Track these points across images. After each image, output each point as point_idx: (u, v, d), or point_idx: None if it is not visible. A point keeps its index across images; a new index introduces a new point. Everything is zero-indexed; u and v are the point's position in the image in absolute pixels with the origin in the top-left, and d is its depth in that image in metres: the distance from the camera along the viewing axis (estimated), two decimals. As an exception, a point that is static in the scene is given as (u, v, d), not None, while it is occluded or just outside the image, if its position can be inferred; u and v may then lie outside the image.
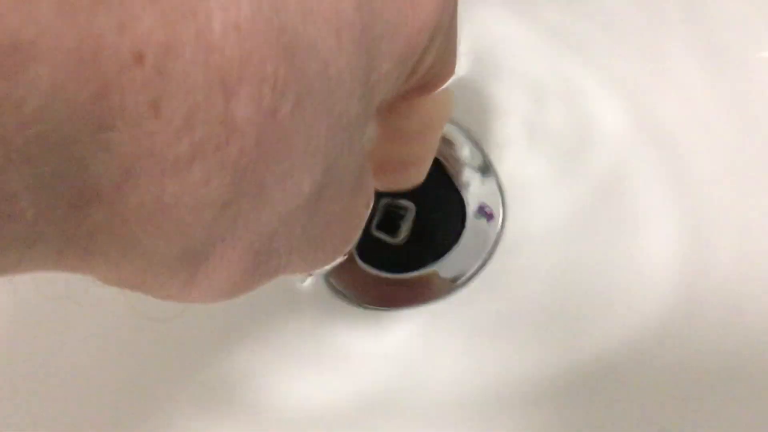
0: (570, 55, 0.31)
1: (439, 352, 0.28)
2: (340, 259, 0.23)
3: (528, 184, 0.30)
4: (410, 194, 0.30)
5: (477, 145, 0.31)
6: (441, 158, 0.31)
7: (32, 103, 0.09)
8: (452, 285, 0.29)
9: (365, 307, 0.29)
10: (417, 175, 0.22)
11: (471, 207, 0.30)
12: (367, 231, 0.30)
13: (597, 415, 0.26)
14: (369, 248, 0.30)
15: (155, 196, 0.11)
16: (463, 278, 0.29)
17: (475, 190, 0.30)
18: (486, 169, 0.31)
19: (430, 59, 0.16)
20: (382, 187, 0.23)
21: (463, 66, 0.31)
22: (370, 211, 0.18)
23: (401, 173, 0.22)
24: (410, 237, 0.30)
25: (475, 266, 0.29)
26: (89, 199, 0.11)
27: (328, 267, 0.28)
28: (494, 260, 0.29)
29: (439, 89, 0.18)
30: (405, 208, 0.30)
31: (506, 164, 0.30)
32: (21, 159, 0.09)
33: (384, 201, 0.30)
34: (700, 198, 0.28)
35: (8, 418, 0.26)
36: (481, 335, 0.28)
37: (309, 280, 0.29)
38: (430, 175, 0.22)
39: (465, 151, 0.31)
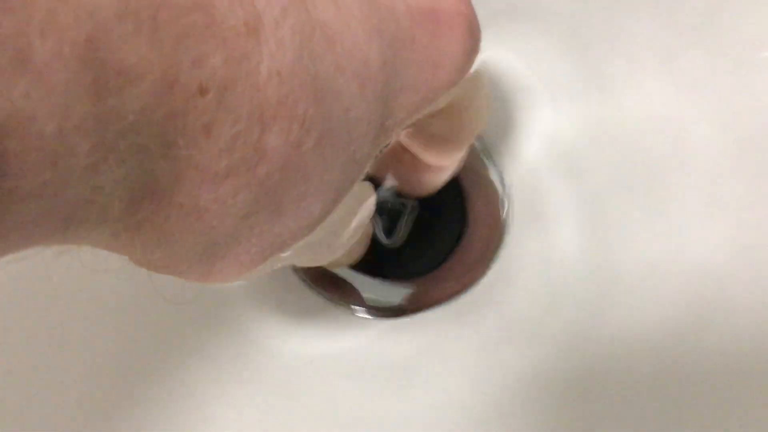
0: (577, 54, 0.31)
1: (440, 358, 0.28)
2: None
3: (534, 192, 0.30)
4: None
5: (483, 152, 0.31)
6: None
7: (130, 118, 0.11)
8: (453, 292, 0.29)
9: (361, 314, 0.29)
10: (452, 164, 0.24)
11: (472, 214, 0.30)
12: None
13: (597, 416, 0.26)
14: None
15: (193, 201, 0.13)
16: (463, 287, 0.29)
17: (478, 195, 0.31)
18: (489, 174, 0.31)
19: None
20: (416, 190, 0.26)
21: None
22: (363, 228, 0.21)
23: (437, 171, 0.24)
24: (408, 241, 0.30)
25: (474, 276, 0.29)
26: (146, 196, 0.13)
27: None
28: (493, 271, 0.29)
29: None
30: (404, 206, 0.30)
31: (512, 173, 0.31)
32: (114, 161, 0.11)
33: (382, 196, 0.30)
34: (701, 195, 0.28)
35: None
36: (482, 342, 0.28)
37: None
38: None
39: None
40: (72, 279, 0.27)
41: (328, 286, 0.30)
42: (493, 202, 0.30)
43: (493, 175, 0.31)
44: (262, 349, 0.28)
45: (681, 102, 0.30)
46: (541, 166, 0.31)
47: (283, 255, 0.17)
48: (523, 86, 0.31)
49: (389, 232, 0.29)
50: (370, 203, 0.21)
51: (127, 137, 0.11)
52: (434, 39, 0.16)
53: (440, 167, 0.26)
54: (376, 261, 0.29)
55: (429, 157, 0.25)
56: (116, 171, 0.12)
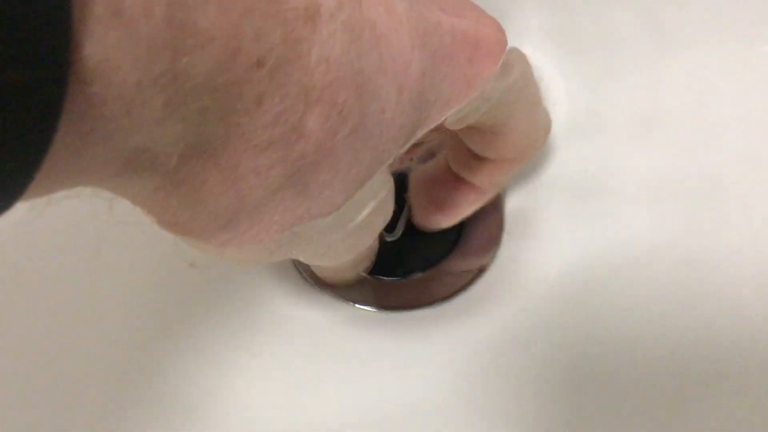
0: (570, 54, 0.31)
1: (435, 356, 0.28)
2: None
3: (531, 190, 0.30)
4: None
5: None
6: None
7: (198, 79, 0.12)
8: (452, 288, 0.29)
9: (360, 308, 0.29)
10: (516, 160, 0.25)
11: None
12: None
13: (594, 412, 0.26)
14: None
15: (234, 167, 0.14)
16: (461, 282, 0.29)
17: None
18: None
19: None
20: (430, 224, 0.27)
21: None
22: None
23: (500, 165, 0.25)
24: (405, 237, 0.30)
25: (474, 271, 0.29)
26: (195, 155, 0.14)
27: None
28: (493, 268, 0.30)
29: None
30: (404, 200, 0.30)
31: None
32: (179, 117, 0.12)
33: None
34: (702, 190, 0.29)
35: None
36: (481, 338, 0.28)
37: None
38: None
39: None
40: (88, 252, 0.27)
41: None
42: (492, 201, 0.30)
43: None
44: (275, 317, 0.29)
45: (682, 100, 0.30)
46: (538, 165, 0.31)
47: (297, 245, 0.18)
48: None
49: (390, 227, 0.29)
50: (389, 203, 0.22)
51: (194, 97, 0.12)
52: (472, 61, 0.18)
53: (475, 199, 0.27)
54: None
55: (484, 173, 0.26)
56: (178, 127, 0.13)
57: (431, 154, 0.30)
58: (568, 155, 0.31)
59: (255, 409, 0.27)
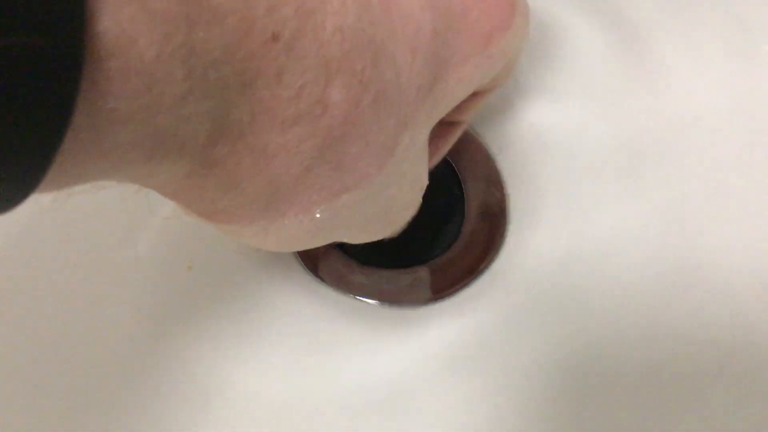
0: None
1: (433, 350, 0.28)
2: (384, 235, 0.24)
3: (532, 184, 0.30)
4: None
5: (485, 145, 0.31)
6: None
7: (216, 53, 0.12)
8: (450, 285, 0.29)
9: (361, 300, 0.29)
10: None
11: (473, 205, 0.30)
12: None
13: (594, 410, 0.26)
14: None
15: (263, 145, 0.14)
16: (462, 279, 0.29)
17: (478, 189, 0.31)
18: (492, 171, 0.31)
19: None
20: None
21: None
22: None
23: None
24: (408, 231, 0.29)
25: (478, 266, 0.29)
26: (223, 135, 0.14)
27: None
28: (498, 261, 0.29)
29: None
30: None
31: (511, 165, 0.31)
32: (201, 93, 0.12)
33: None
34: (706, 188, 0.29)
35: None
36: (483, 336, 0.28)
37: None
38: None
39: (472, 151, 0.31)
40: (88, 248, 0.28)
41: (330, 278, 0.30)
42: (494, 190, 0.30)
43: (492, 162, 0.31)
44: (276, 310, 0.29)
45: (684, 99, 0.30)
46: (538, 155, 0.31)
47: (340, 225, 0.17)
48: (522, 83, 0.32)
49: None
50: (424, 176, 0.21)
51: (214, 72, 0.12)
52: (488, 15, 0.18)
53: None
54: (376, 250, 0.29)
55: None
56: (201, 104, 0.12)
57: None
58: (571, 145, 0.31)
59: (255, 398, 0.27)
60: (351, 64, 0.14)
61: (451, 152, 0.28)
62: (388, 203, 0.19)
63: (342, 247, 0.30)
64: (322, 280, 0.29)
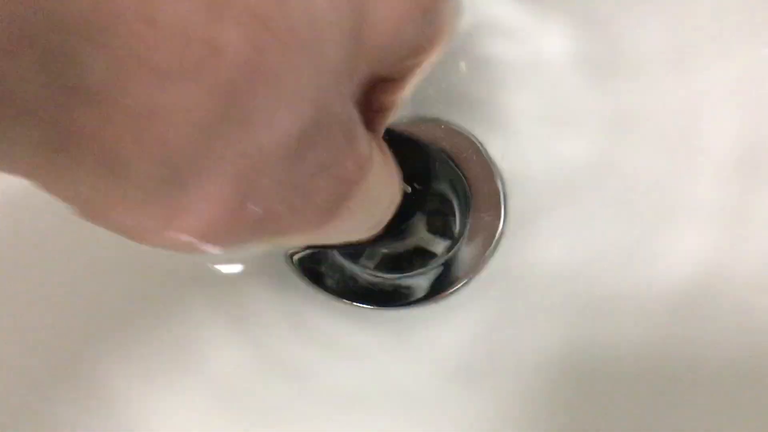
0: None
1: (431, 352, 0.28)
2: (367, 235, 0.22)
3: (530, 179, 0.30)
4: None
5: (480, 144, 0.31)
6: (447, 153, 0.31)
7: None
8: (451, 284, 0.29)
9: (357, 306, 0.29)
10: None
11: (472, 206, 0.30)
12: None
13: (597, 409, 0.26)
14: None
15: (143, 103, 0.11)
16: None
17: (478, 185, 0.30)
18: (488, 166, 0.30)
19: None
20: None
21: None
22: (362, 178, 0.18)
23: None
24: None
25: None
26: (80, 99, 0.11)
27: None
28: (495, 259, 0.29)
29: None
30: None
31: (509, 160, 0.30)
32: (27, 45, 0.10)
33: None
34: (705, 194, 0.28)
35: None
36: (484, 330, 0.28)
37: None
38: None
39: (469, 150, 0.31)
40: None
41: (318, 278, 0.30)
42: (493, 191, 0.30)
43: (492, 164, 0.31)
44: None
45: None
46: (538, 159, 0.30)
47: (268, 199, 0.14)
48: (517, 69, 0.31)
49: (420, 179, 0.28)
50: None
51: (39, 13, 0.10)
52: None
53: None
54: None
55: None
56: (28, 59, 0.10)
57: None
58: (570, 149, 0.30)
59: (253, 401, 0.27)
60: (249, 5, 0.12)
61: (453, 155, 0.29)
62: (315, 169, 0.15)
63: (340, 251, 0.30)
64: (319, 284, 0.29)
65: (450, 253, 0.29)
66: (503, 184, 0.30)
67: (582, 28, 0.30)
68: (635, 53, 0.29)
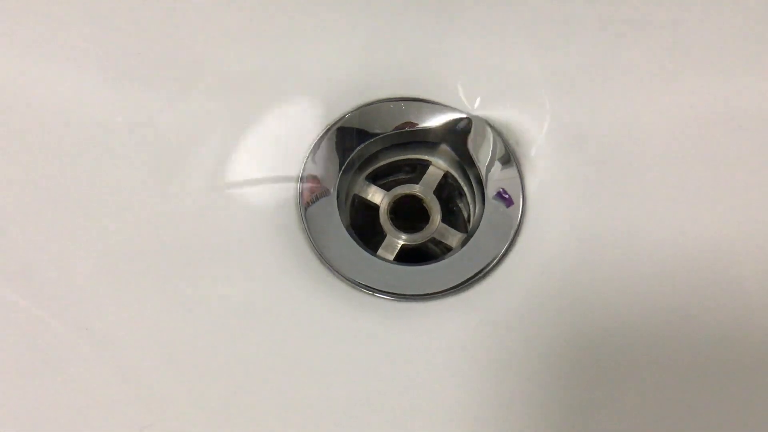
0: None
1: (447, 343, 0.28)
2: None
3: (548, 177, 0.30)
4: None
5: (500, 135, 0.31)
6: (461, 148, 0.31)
7: None
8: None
9: (377, 296, 0.29)
10: None
11: (490, 194, 0.30)
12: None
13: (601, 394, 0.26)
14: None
15: None
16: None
17: (495, 178, 0.31)
18: (507, 159, 0.31)
19: None
20: None
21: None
22: None
23: None
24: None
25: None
26: None
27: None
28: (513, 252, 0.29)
29: None
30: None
31: (528, 155, 0.31)
32: None
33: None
34: (706, 190, 0.29)
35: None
36: (489, 327, 0.28)
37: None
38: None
39: (488, 142, 0.31)
40: None
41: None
42: (510, 183, 0.30)
43: (509, 155, 0.31)
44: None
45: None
46: (556, 149, 0.31)
47: None
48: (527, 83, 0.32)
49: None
50: None
51: None
52: None
53: None
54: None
55: None
56: None
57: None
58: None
59: (266, 387, 0.27)
60: None
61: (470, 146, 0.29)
62: None
63: (356, 239, 0.30)
64: (336, 272, 0.29)
65: (466, 245, 0.30)
66: (520, 170, 0.30)
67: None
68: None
